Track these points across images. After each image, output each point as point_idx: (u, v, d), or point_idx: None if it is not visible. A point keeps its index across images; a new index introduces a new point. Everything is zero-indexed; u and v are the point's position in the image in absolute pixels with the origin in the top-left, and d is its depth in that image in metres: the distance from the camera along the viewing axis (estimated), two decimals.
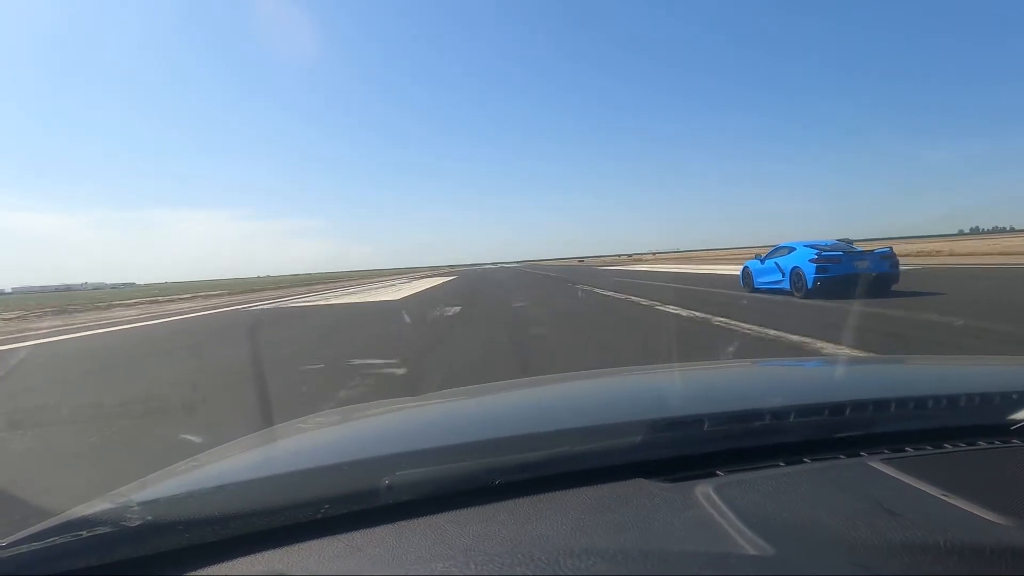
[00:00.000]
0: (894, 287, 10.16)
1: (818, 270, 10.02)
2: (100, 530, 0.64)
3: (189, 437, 3.17)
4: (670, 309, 9.23)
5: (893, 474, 0.76)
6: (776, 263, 11.37)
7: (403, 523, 0.67)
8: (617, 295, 13.37)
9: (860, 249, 10.74)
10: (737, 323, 7.15)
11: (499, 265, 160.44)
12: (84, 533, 0.64)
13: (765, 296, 11.05)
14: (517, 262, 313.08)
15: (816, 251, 10.37)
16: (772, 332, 6.31)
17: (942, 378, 1.43)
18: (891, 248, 10.76)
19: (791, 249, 11.15)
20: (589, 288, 16.71)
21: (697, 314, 8.34)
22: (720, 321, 7.44)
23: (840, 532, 0.61)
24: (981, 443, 0.88)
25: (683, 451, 0.85)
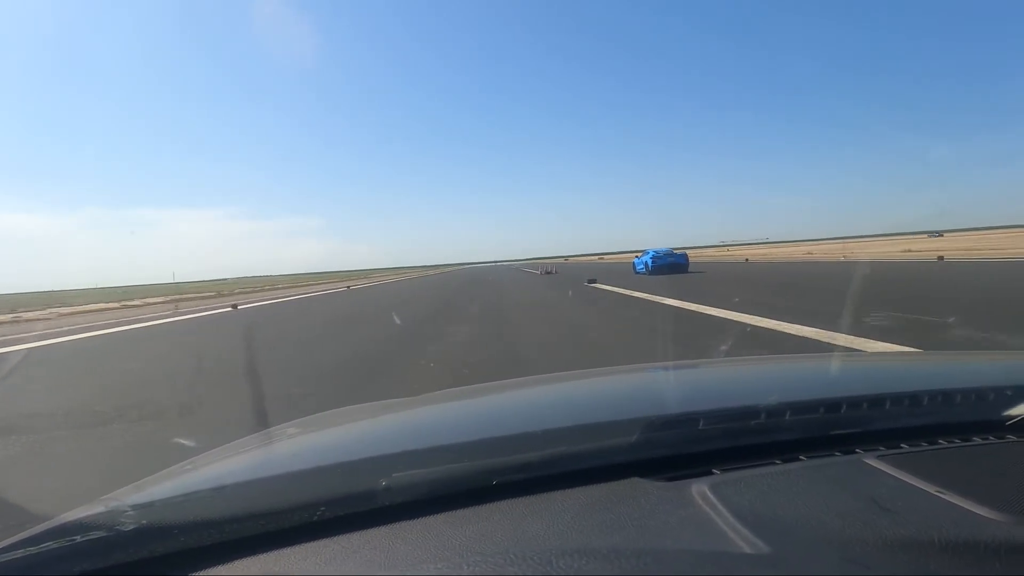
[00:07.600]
0: (689, 270, 22.97)
1: (652, 261, 23.00)
2: (95, 534, 0.64)
3: (183, 441, 3.16)
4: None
5: (888, 471, 0.76)
6: (642, 259, 24.44)
7: (400, 524, 0.68)
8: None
9: (674, 251, 23.91)
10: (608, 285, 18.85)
11: (499, 264, 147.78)
12: (78, 538, 0.64)
13: (638, 275, 23.38)
14: (522, 260, 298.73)
15: (654, 252, 23.49)
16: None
17: (937, 374, 1.44)
18: (685, 252, 24.12)
19: (646, 252, 24.30)
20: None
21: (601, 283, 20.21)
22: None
23: (836, 529, 0.62)
24: (976, 439, 0.88)
25: (679, 450, 0.86)
